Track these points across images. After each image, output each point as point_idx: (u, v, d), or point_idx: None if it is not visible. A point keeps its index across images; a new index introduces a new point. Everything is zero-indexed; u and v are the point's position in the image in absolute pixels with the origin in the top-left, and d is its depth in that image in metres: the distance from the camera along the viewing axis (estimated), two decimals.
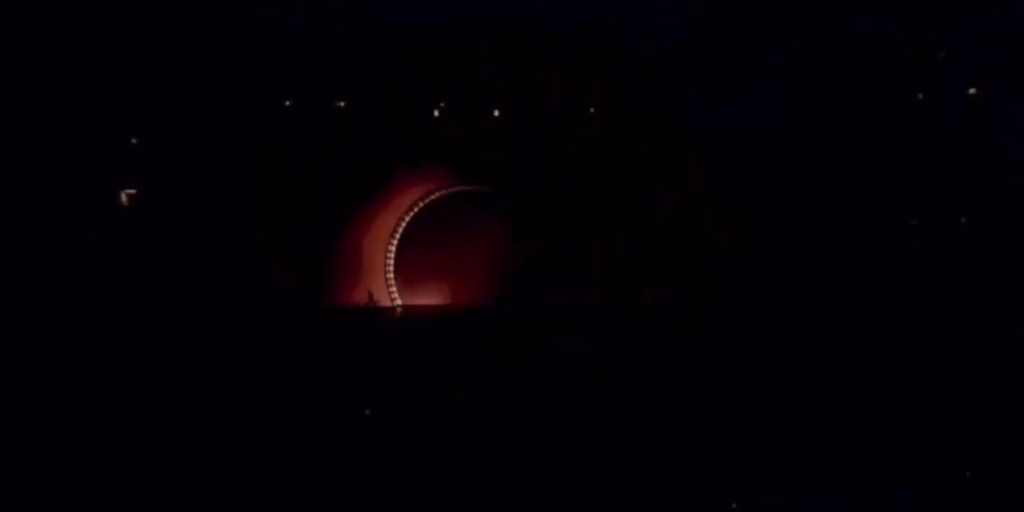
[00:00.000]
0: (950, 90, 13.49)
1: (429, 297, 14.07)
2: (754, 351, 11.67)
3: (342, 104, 13.87)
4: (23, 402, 9.84)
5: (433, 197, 14.47)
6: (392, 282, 14.13)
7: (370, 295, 13.55)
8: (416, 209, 14.50)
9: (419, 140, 13.91)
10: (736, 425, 10.81)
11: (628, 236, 14.06)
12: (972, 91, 13.41)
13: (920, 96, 13.62)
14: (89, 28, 13.19)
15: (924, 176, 13.60)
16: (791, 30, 13.71)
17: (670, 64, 13.91)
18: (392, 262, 14.28)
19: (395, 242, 14.36)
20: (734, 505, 8.65)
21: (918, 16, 13.47)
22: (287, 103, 13.69)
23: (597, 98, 14.06)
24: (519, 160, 14.01)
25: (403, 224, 14.47)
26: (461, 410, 10.55)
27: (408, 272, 14.31)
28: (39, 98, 13.10)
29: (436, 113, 13.96)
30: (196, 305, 12.93)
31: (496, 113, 13.97)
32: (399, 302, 14.04)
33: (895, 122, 13.72)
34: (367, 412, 10.24)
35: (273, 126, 13.69)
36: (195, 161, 13.57)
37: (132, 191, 13.40)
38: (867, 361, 11.54)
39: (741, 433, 10.72)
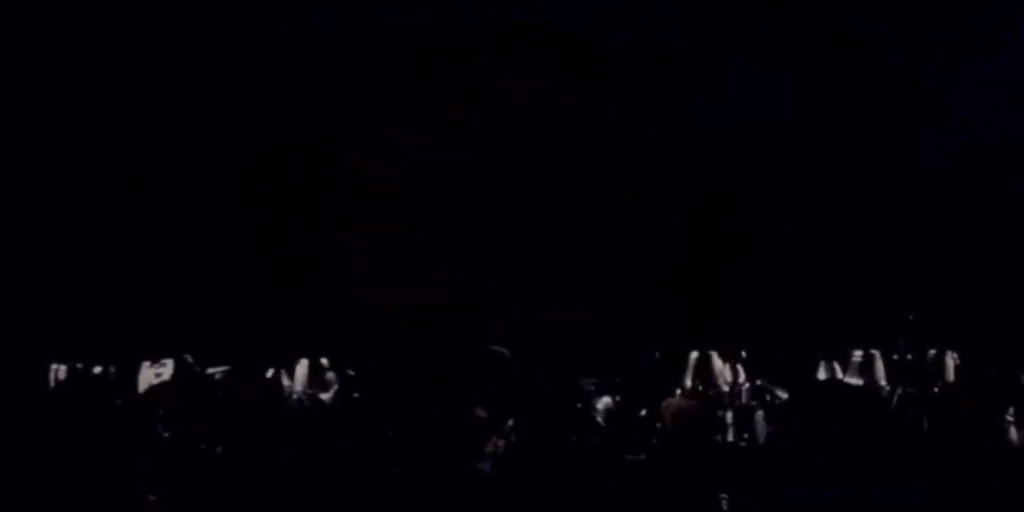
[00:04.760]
0: (950, 92, 13.49)
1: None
2: (752, 349, 11.66)
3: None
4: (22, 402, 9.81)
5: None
6: None
7: None
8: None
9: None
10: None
11: (627, 236, 14.06)
12: (973, 92, 13.42)
13: (919, 98, 13.63)
14: (87, 28, 13.19)
15: (922, 178, 13.61)
16: (791, 30, 13.71)
17: (670, 63, 13.93)
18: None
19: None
20: (724, 504, 8.60)
21: (919, 17, 13.47)
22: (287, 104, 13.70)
23: (596, 98, 14.07)
24: (518, 159, 14.01)
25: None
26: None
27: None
28: (37, 98, 13.11)
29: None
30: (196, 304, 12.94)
31: (495, 114, 13.98)
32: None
33: (895, 123, 13.73)
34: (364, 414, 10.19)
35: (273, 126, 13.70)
36: (194, 161, 13.58)
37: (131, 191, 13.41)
38: (867, 358, 11.54)
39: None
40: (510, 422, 9.52)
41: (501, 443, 9.28)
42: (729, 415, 10.35)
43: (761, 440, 10.07)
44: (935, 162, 13.51)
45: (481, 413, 9.55)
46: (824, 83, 13.67)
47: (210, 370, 10.53)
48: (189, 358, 10.53)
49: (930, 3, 13.44)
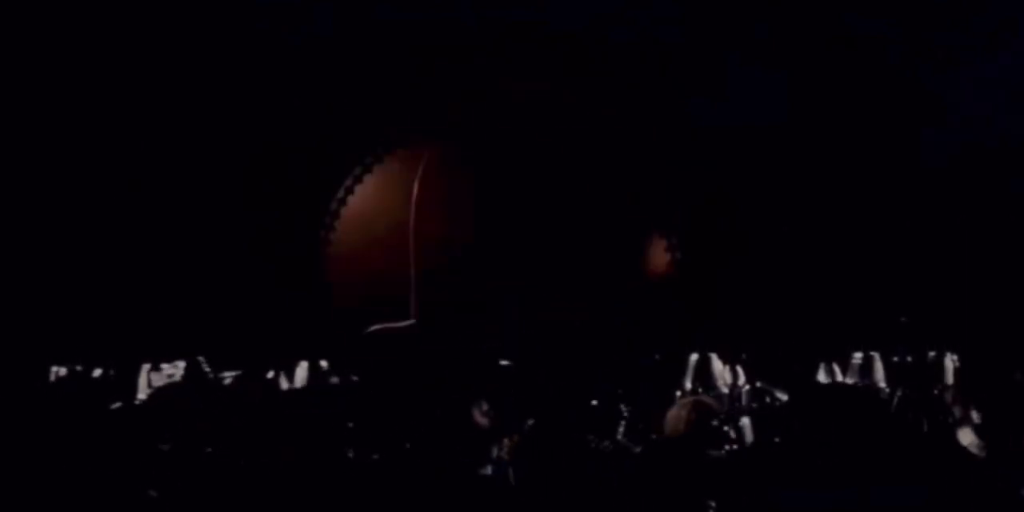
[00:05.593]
0: (950, 92, 13.48)
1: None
2: (752, 351, 11.66)
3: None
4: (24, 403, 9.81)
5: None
6: None
7: None
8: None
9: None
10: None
11: (627, 237, 14.04)
12: (973, 92, 13.41)
13: (919, 98, 13.62)
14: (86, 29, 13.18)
15: (922, 178, 13.60)
16: (791, 30, 13.70)
17: (670, 63, 13.92)
18: None
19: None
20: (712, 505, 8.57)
21: (919, 17, 13.46)
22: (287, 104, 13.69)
23: (596, 98, 14.05)
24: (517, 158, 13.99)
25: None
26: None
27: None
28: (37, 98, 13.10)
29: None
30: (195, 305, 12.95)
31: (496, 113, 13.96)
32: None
33: (895, 123, 13.72)
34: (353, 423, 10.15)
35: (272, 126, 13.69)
36: (194, 161, 13.57)
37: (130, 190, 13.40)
38: (866, 360, 11.54)
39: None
40: (519, 423, 9.51)
41: (515, 438, 9.23)
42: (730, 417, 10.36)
43: (759, 441, 10.08)
44: (935, 162, 13.51)
45: (481, 414, 9.53)
46: (824, 83, 13.66)
47: (224, 374, 10.53)
48: (202, 360, 10.54)
49: (930, 3, 13.44)
